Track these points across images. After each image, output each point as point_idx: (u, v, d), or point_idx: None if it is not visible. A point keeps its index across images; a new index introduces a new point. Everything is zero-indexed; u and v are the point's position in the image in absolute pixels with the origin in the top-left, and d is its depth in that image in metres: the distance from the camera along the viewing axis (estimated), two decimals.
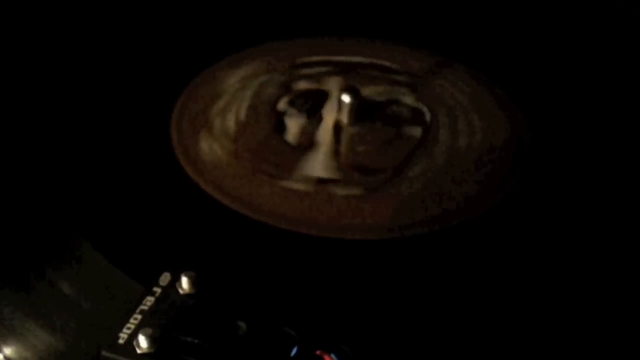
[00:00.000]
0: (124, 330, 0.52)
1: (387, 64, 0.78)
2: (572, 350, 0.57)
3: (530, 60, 0.79)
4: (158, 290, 0.54)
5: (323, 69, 0.77)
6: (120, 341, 0.52)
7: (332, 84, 0.75)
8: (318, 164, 0.68)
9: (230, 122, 0.72)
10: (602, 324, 0.58)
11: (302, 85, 0.75)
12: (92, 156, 0.68)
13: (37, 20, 0.81)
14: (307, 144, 0.70)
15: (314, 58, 0.78)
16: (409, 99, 0.75)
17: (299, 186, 0.67)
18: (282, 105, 0.73)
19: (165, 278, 0.55)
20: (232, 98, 0.74)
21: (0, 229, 0.62)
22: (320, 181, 0.67)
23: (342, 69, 0.77)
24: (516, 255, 0.62)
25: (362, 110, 0.72)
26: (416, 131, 0.72)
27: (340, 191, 0.67)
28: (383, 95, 0.75)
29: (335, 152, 0.70)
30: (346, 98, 0.71)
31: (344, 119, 0.71)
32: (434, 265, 0.62)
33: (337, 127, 0.71)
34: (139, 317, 0.53)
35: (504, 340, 0.57)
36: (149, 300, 0.54)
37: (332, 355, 0.53)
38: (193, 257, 0.60)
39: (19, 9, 0.81)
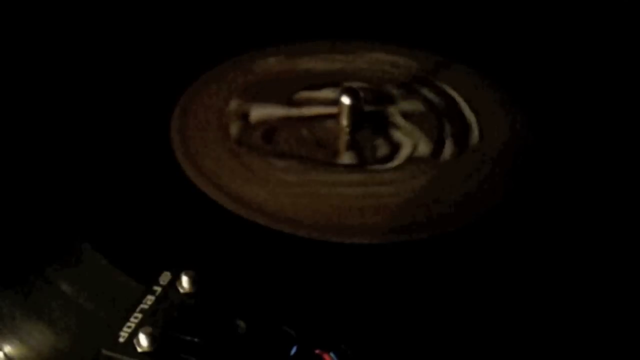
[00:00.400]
0: (124, 329, 0.53)
1: (387, 65, 0.78)
2: (572, 352, 0.57)
3: (530, 61, 0.79)
4: (158, 289, 0.54)
5: (319, 73, 0.77)
6: (121, 340, 0.52)
7: (330, 88, 0.75)
8: (321, 166, 0.69)
9: (231, 124, 0.72)
10: (602, 326, 0.58)
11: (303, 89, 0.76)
12: (92, 157, 0.69)
13: (38, 20, 0.81)
14: (310, 146, 0.70)
15: (314, 61, 0.79)
16: (408, 101, 0.75)
17: (300, 187, 0.67)
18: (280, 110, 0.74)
19: (165, 277, 0.55)
20: (230, 103, 0.74)
21: (1, 230, 0.62)
22: (322, 183, 0.67)
23: (339, 73, 0.77)
24: (517, 258, 0.62)
25: (362, 112, 0.72)
26: (416, 133, 0.72)
27: (341, 191, 0.67)
28: (383, 97, 0.75)
29: (338, 153, 0.70)
30: (346, 100, 0.71)
31: (344, 120, 0.71)
32: (433, 267, 0.62)
33: (338, 129, 0.72)
34: (139, 316, 0.53)
35: (502, 341, 0.57)
36: (149, 299, 0.54)
37: (331, 354, 0.53)
38: (193, 257, 0.60)
39: (25, 10, 0.81)
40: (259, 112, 0.73)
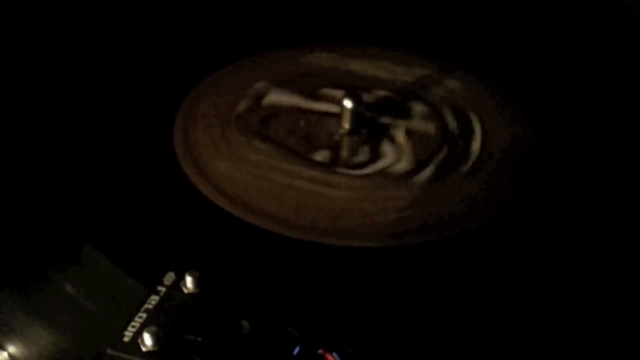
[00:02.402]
0: (129, 328, 0.53)
1: (387, 69, 0.78)
2: (572, 353, 0.58)
3: (531, 64, 0.79)
4: (163, 289, 0.55)
5: (320, 78, 0.77)
6: (125, 339, 0.52)
7: (329, 93, 0.76)
8: (324, 169, 0.69)
9: (232, 127, 0.72)
10: (603, 326, 0.59)
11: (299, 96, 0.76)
12: (95, 158, 0.69)
13: (41, 22, 0.81)
14: (313, 148, 0.71)
15: (310, 67, 0.79)
16: (410, 105, 0.75)
17: (303, 192, 0.67)
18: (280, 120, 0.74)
19: (169, 278, 0.55)
20: (233, 107, 0.74)
21: (5, 231, 0.62)
22: (321, 186, 0.68)
23: (340, 78, 0.77)
24: (518, 260, 0.62)
25: (362, 115, 0.72)
26: (417, 136, 0.72)
27: (339, 194, 0.67)
28: (384, 101, 0.75)
29: (340, 158, 0.70)
30: (348, 103, 0.71)
31: (346, 124, 0.72)
32: (435, 269, 0.62)
33: (335, 129, 0.72)
34: (144, 315, 0.53)
35: (501, 343, 0.57)
36: (154, 299, 0.54)
37: (334, 355, 0.53)
38: (197, 258, 0.60)
39: (23, 11, 0.82)
40: (273, 97, 0.74)
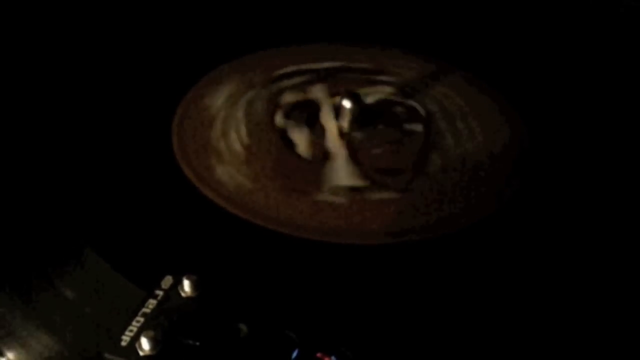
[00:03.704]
0: (127, 332, 0.53)
1: (385, 70, 0.78)
2: (572, 353, 0.57)
3: (529, 65, 0.79)
4: (160, 293, 0.55)
5: (307, 77, 0.77)
6: (123, 343, 0.52)
7: (320, 92, 0.75)
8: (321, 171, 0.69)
9: (228, 129, 0.72)
10: (603, 329, 0.59)
11: (290, 97, 0.76)
12: (94, 161, 0.69)
13: (42, 22, 0.81)
14: (315, 152, 0.71)
15: (298, 67, 0.79)
16: (407, 106, 0.75)
17: (298, 191, 0.67)
18: (278, 118, 0.74)
19: (167, 281, 0.55)
20: (226, 109, 0.74)
21: (3, 234, 0.63)
22: (319, 186, 0.68)
23: (332, 76, 0.77)
24: (517, 259, 0.63)
25: (361, 115, 0.72)
26: (417, 138, 0.72)
27: (340, 195, 0.67)
28: (381, 102, 0.75)
29: (339, 157, 0.70)
30: (347, 104, 0.71)
31: (345, 124, 0.72)
32: (433, 270, 0.62)
33: (341, 134, 0.72)
34: (141, 319, 0.53)
35: (501, 343, 0.57)
36: (151, 303, 0.54)
37: (333, 358, 0.53)
38: (195, 261, 0.60)
39: (23, 11, 0.82)
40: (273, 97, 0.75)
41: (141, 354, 0.52)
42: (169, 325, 0.53)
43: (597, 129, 0.73)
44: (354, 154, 0.70)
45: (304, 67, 0.78)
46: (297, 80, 0.77)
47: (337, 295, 0.59)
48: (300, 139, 0.71)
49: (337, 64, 0.79)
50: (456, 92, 0.76)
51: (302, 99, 0.75)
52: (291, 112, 0.74)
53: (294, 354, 0.53)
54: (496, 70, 0.78)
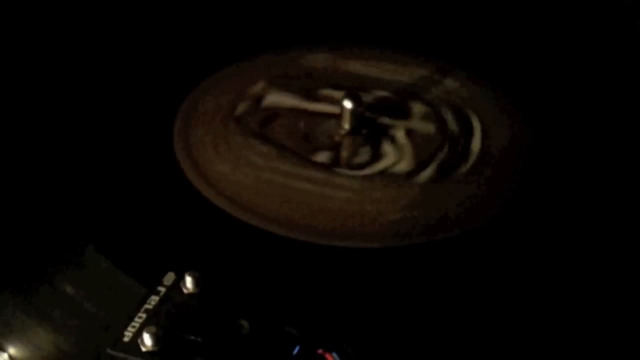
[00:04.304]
0: (129, 328, 0.53)
1: (387, 70, 0.78)
2: (572, 354, 0.58)
3: (530, 64, 0.79)
4: (162, 289, 0.55)
5: (318, 79, 0.77)
6: (125, 339, 0.53)
7: (327, 93, 0.76)
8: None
9: (232, 128, 0.73)
10: (604, 329, 0.59)
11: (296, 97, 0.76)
12: (95, 159, 0.69)
13: (42, 22, 0.81)
14: (313, 149, 0.71)
15: (313, 65, 0.79)
16: (409, 106, 0.75)
17: (304, 192, 0.67)
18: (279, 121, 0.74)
19: (169, 278, 0.55)
20: (233, 108, 0.74)
21: (5, 232, 0.63)
22: (321, 187, 0.68)
23: (337, 78, 0.77)
24: (519, 260, 0.63)
25: (362, 116, 0.72)
26: (417, 137, 0.72)
27: (340, 195, 0.67)
28: (384, 102, 0.75)
29: (340, 158, 0.70)
30: (348, 104, 0.71)
31: (344, 124, 0.72)
32: (433, 270, 0.62)
33: (336, 130, 0.72)
34: (144, 315, 0.54)
35: (503, 340, 0.58)
36: (154, 300, 0.54)
37: (334, 354, 0.53)
38: (196, 258, 0.60)
39: (23, 11, 0.82)
40: (273, 98, 0.74)
41: (143, 349, 0.52)
42: (170, 322, 0.53)
43: (600, 128, 0.73)
44: (354, 155, 0.70)
45: (308, 69, 0.79)
46: (302, 81, 0.77)
47: (338, 291, 0.59)
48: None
49: (355, 66, 0.79)
50: (458, 92, 0.76)
51: (329, 93, 0.75)
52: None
53: (295, 350, 0.53)
54: (498, 70, 0.78)
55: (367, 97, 0.74)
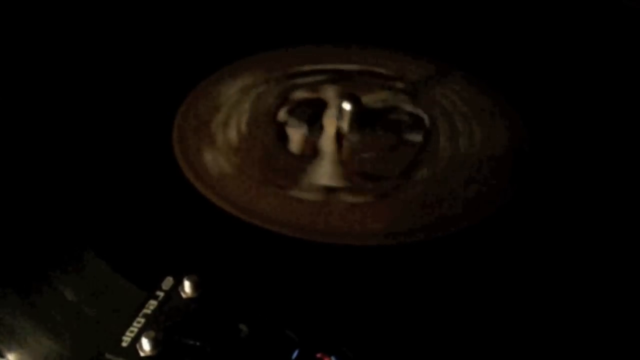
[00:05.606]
0: (127, 333, 0.53)
1: (385, 71, 0.78)
2: (572, 353, 0.58)
3: (529, 65, 0.79)
4: (161, 294, 0.55)
5: (319, 77, 0.78)
6: (124, 344, 0.52)
7: (329, 92, 0.76)
8: (321, 173, 0.69)
9: (231, 130, 0.72)
10: (602, 329, 0.59)
11: (300, 94, 0.76)
12: (94, 163, 0.69)
13: (42, 23, 0.81)
14: (310, 152, 0.71)
15: (311, 67, 0.79)
16: (408, 107, 0.75)
17: (303, 194, 0.67)
18: (281, 114, 0.74)
19: (168, 282, 0.55)
20: (231, 109, 0.74)
21: (4, 236, 0.63)
22: (321, 189, 0.68)
23: (339, 77, 0.77)
24: (517, 261, 0.63)
25: (362, 117, 0.72)
26: (416, 138, 0.72)
27: (343, 198, 0.67)
28: (382, 103, 0.75)
29: (338, 161, 0.70)
30: (346, 106, 0.71)
31: (345, 126, 0.72)
32: (432, 271, 0.62)
33: (339, 135, 0.72)
34: (142, 320, 0.53)
35: (501, 340, 0.58)
36: (152, 304, 0.54)
37: (333, 358, 0.53)
38: (195, 262, 0.60)
39: (23, 11, 0.82)
40: (273, 99, 0.74)
41: (142, 354, 0.52)
42: (169, 326, 0.53)
43: (597, 129, 0.73)
44: (355, 155, 0.70)
45: (307, 68, 0.79)
46: (311, 79, 0.77)
47: (337, 295, 0.59)
48: (295, 135, 0.72)
49: (354, 66, 0.79)
50: (456, 93, 0.76)
51: (312, 97, 0.75)
52: (296, 108, 0.74)
53: (294, 354, 0.53)
54: (496, 72, 0.78)
55: (366, 98, 0.74)
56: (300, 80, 0.77)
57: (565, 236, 0.65)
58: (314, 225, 0.65)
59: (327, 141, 0.71)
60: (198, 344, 0.53)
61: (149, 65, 0.78)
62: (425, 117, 0.74)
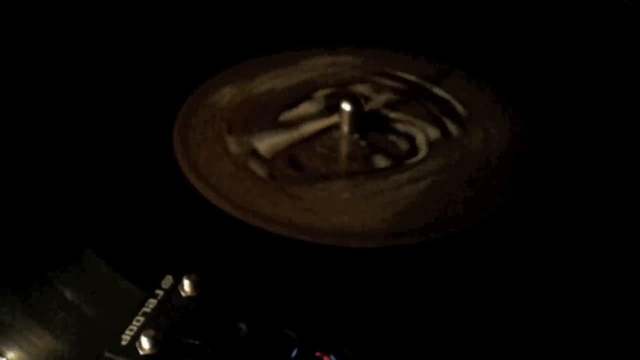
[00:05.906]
0: (127, 332, 0.53)
1: (386, 71, 0.78)
2: (572, 353, 0.58)
3: (529, 65, 0.80)
4: (160, 292, 0.55)
5: (319, 78, 0.78)
6: (123, 343, 0.52)
7: (327, 92, 0.76)
8: (321, 173, 0.69)
9: (231, 131, 0.73)
10: (602, 329, 0.59)
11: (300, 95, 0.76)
12: (94, 162, 0.69)
13: (42, 23, 0.81)
14: (310, 153, 0.71)
15: (311, 68, 0.79)
16: (408, 107, 0.75)
17: (303, 195, 0.67)
18: (282, 115, 0.74)
19: (167, 281, 0.55)
20: (232, 110, 0.74)
21: (4, 236, 0.63)
22: (321, 189, 0.68)
23: (343, 78, 0.78)
24: (517, 261, 0.63)
25: (362, 118, 0.72)
26: (417, 138, 0.72)
27: (342, 198, 0.67)
28: (382, 104, 0.75)
29: (338, 161, 0.70)
30: (346, 106, 0.71)
31: (345, 126, 0.72)
32: (432, 272, 0.62)
33: (339, 135, 0.72)
34: (142, 319, 0.53)
35: (501, 340, 0.58)
36: (152, 303, 0.54)
37: (332, 357, 0.53)
38: (195, 261, 0.60)
39: (23, 12, 0.82)
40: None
41: (141, 353, 0.52)
42: (169, 325, 0.53)
43: (598, 128, 0.73)
44: (355, 156, 0.70)
45: (308, 69, 0.78)
46: (301, 81, 0.77)
47: (337, 294, 0.59)
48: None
49: (355, 66, 0.79)
50: (457, 93, 0.76)
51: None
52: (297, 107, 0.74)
53: (294, 353, 0.53)
54: (496, 71, 0.78)
55: (366, 99, 0.74)
56: (300, 81, 0.77)
57: (565, 236, 0.64)
58: (313, 226, 0.65)
59: (327, 142, 0.71)
60: (197, 342, 0.53)
61: (150, 66, 0.79)
62: (426, 117, 0.74)
